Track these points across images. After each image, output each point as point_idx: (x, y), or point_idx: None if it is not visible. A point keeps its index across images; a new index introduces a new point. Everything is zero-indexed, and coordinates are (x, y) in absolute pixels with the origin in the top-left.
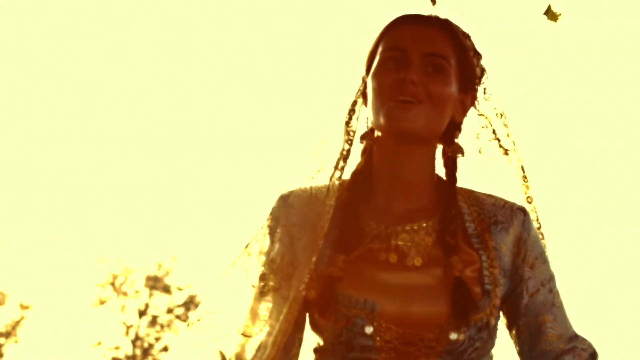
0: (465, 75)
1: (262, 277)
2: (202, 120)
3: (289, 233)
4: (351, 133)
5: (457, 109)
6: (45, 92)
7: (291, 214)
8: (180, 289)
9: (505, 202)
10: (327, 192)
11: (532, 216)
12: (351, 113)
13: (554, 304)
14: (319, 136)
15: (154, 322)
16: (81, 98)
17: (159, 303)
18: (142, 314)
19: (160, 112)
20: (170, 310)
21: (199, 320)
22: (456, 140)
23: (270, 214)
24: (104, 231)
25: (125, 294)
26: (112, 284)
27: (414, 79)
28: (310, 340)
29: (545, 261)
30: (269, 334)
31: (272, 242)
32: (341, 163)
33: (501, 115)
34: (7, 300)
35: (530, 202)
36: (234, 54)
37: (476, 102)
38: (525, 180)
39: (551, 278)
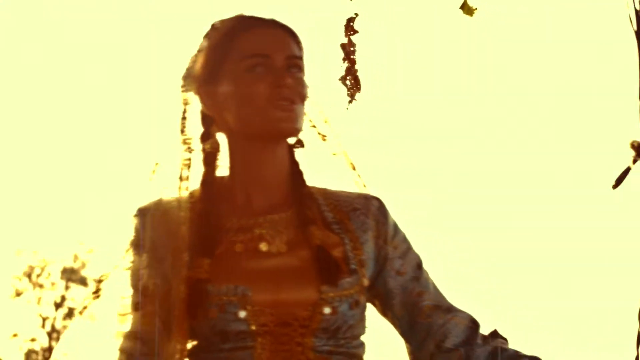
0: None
1: (139, 306)
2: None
3: (153, 248)
4: (188, 141)
5: None
6: None
7: (153, 224)
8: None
9: (359, 193)
10: (179, 204)
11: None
12: (184, 121)
13: (426, 279)
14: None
15: (70, 314)
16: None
17: (75, 295)
18: (58, 306)
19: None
20: None
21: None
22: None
23: (133, 228)
24: (21, 223)
25: (41, 286)
26: (29, 276)
27: (289, 83)
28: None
29: (407, 242)
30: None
31: (139, 268)
32: (185, 172)
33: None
34: None
35: (354, 169)
36: None
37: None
38: (352, 164)
39: (417, 256)
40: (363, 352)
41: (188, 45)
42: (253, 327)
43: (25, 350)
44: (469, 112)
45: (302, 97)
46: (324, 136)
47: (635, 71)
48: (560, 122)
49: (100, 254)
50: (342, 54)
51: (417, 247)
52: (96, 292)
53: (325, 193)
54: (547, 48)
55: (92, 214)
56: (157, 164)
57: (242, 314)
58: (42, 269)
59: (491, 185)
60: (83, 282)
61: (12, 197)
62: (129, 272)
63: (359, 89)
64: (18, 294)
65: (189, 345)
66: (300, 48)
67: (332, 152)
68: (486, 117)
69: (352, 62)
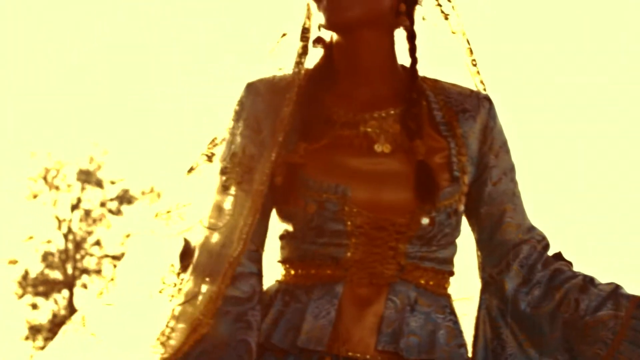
0: None
1: (224, 171)
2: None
3: (254, 122)
4: (305, 30)
5: None
6: None
7: (257, 100)
8: (113, 183)
9: (472, 91)
10: (289, 84)
11: (477, 79)
12: (305, 15)
13: (515, 194)
14: (275, 32)
15: (86, 216)
16: None
17: (91, 197)
18: (74, 207)
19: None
20: (102, 204)
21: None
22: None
23: (238, 100)
24: (36, 124)
25: (57, 187)
26: (44, 178)
27: None
28: (275, 229)
29: (507, 151)
30: (233, 228)
31: (234, 134)
32: (300, 59)
33: None
34: None
35: (474, 65)
36: None
37: None
38: (468, 43)
39: (512, 168)
40: (453, 255)
41: None
42: (349, 228)
43: (42, 252)
44: None
45: None
46: (447, 15)
47: None
48: None
49: (116, 155)
50: None
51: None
52: (209, 156)
53: (436, 88)
54: None
55: (107, 114)
56: (284, 34)
57: (340, 214)
58: (58, 171)
59: None
60: (99, 183)
61: (25, 98)
62: (226, 141)
63: None
64: (34, 196)
65: (283, 229)
66: None
67: (451, 31)
68: None
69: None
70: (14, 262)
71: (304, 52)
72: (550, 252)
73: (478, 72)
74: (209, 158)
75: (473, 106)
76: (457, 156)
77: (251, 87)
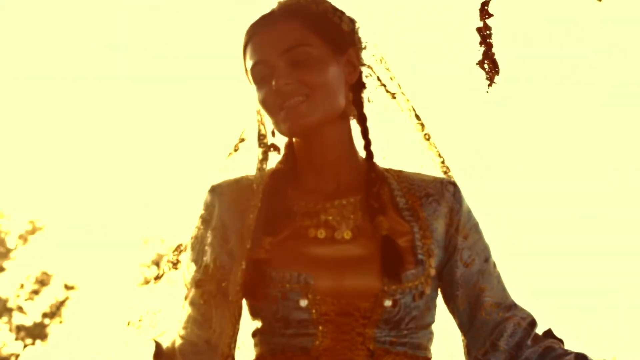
0: (334, 40)
1: (199, 284)
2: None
3: (222, 230)
4: (262, 137)
5: (347, 73)
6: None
7: (223, 204)
8: None
9: (435, 178)
10: (251, 188)
11: (433, 152)
12: (259, 121)
13: (491, 273)
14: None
15: None
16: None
17: None
18: None
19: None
20: None
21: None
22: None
23: (203, 203)
24: (149, 212)
25: None
26: (157, 264)
27: (286, 82)
28: (248, 325)
29: (479, 232)
30: (219, 336)
31: (202, 243)
32: (262, 165)
33: (381, 60)
34: (51, 281)
35: (428, 139)
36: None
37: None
38: (418, 119)
39: (486, 248)
40: (429, 341)
41: None
42: (314, 316)
43: None
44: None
45: (314, 86)
46: (393, 94)
47: None
48: None
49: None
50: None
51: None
52: (175, 263)
53: (400, 176)
54: None
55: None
56: (242, 133)
57: (304, 302)
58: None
59: None
60: None
61: (139, 186)
62: (191, 246)
63: (497, 72)
64: (146, 282)
65: (254, 326)
66: (309, 26)
67: (400, 109)
68: None
69: (489, 46)
70: None
71: (264, 157)
72: (539, 330)
73: (434, 145)
74: (174, 265)
75: (436, 190)
76: (421, 240)
77: (216, 190)
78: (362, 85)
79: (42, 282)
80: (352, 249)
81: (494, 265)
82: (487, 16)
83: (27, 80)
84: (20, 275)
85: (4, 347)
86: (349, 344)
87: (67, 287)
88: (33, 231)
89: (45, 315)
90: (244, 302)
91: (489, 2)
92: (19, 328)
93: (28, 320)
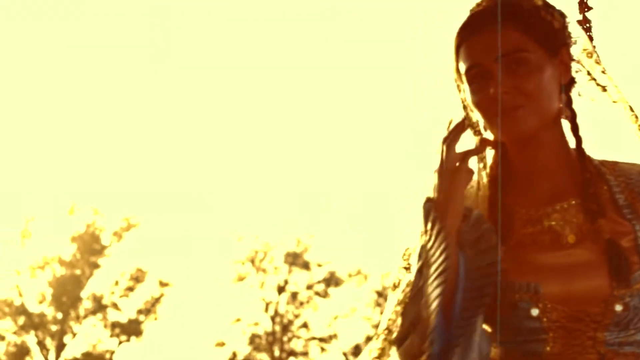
0: (548, 42)
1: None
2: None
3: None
4: (476, 124)
5: (561, 74)
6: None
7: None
8: (319, 265)
9: None
10: (472, 195)
11: None
12: (466, 117)
13: None
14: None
15: (293, 298)
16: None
17: (298, 279)
18: (281, 290)
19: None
20: (309, 287)
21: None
22: (560, 105)
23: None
24: (243, 209)
25: (264, 270)
26: (252, 261)
27: (505, 91)
28: None
29: None
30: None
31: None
32: (482, 161)
33: (591, 54)
34: (146, 278)
35: (637, 119)
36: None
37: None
38: (632, 110)
39: None
40: None
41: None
42: (545, 324)
43: (249, 335)
44: None
45: (530, 94)
46: (604, 87)
47: None
48: None
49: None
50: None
51: None
52: (407, 268)
53: (615, 170)
54: None
55: (314, 199)
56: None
57: (535, 312)
58: (265, 254)
59: None
60: (306, 266)
61: (233, 183)
62: (414, 255)
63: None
64: (241, 279)
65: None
66: (525, 29)
67: (612, 100)
68: None
69: (590, 40)
70: (222, 344)
71: (482, 145)
72: None
73: None
74: (407, 270)
75: None
76: None
77: None
78: (573, 82)
79: (137, 279)
80: (577, 253)
81: None
82: (586, 9)
83: (122, 81)
84: (115, 272)
85: (99, 343)
86: (580, 349)
87: (162, 284)
88: (128, 228)
89: (140, 312)
90: None
91: None
92: (114, 325)
93: (123, 317)
